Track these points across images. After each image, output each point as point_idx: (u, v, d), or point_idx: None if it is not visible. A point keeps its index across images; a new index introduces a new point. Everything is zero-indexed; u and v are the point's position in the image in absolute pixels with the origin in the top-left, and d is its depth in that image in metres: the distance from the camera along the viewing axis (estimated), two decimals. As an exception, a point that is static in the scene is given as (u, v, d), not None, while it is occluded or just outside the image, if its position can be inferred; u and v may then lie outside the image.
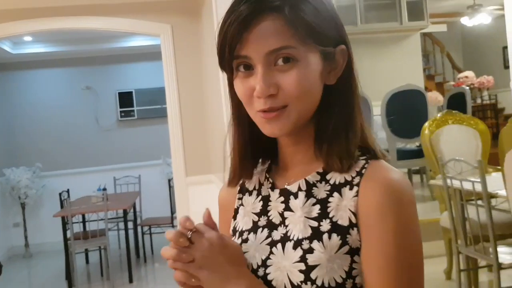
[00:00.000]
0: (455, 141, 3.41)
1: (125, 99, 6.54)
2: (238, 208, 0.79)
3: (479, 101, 7.29)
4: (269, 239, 0.71)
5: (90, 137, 6.46)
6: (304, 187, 0.71)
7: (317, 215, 0.69)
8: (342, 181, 0.69)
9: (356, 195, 0.67)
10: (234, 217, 0.79)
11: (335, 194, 0.69)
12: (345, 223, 0.66)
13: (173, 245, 0.65)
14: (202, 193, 3.86)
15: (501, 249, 2.62)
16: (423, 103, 4.69)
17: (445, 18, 7.75)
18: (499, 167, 2.42)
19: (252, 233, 0.74)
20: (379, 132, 4.67)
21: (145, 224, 5.45)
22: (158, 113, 6.31)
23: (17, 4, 3.72)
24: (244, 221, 0.76)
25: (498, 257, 2.50)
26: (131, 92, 6.54)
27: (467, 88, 5.69)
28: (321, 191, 0.70)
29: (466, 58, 8.96)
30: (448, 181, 2.75)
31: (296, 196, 0.71)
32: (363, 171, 0.68)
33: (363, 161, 0.70)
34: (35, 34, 5.18)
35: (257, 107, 0.67)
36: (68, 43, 5.97)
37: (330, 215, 0.68)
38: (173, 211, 5.32)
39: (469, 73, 6.90)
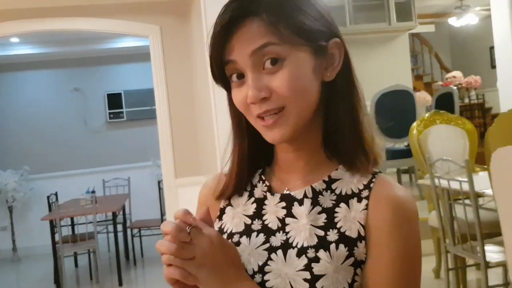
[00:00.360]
0: (443, 140, 3.44)
1: (114, 100, 6.50)
2: (224, 208, 0.76)
3: (467, 100, 7.35)
4: (267, 245, 0.68)
5: (79, 139, 6.41)
6: (310, 195, 0.70)
7: (323, 224, 0.67)
8: (349, 192, 0.69)
9: (366, 208, 0.67)
10: (220, 217, 0.76)
11: (342, 204, 0.68)
12: (354, 235, 0.66)
13: (171, 239, 0.60)
14: (192, 195, 3.83)
15: (489, 247, 2.65)
16: (411, 103, 4.72)
17: (433, 18, 7.82)
18: (486, 166, 2.44)
19: (245, 236, 0.71)
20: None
21: (135, 227, 5.41)
22: (147, 115, 6.28)
23: (4, 5, 3.68)
24: (234, 223, 0.73)
25: (485, 255, 2.52)
26: (120, 94, 6.51)
27: (455, 88, 5.74)
28: (326, 200, 0.69)
29: (454, 58, 9.04)
30: (436, 180, 2.77)
31: (301, 203, 0.69)
32: (371, 185, 0.68)
33: (370, 175, 0.69)
34: (22, 35, 5.13)
35: (254, 113, 0.66)
36: (56, 45, 5.92)
37: (338, 226, 0.67)
38: (163, 213, 5.30)
39: (457, 73, 6.96)
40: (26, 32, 4.05)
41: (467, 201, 2.62)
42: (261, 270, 0.67)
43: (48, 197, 5.16)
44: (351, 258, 0.65)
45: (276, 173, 0.74)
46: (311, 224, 0.67)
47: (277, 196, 0.71)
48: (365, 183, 0.69)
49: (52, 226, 4.55)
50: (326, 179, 0.70)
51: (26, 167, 5.97)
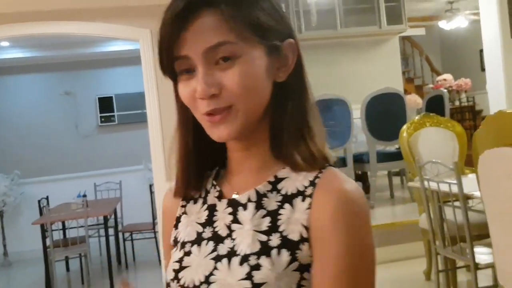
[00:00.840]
0: (433, 143, 3.46)
1: (105, 104, 6.48)
2: (180, 216, 0.74)
3: (457, 103, 7.41)
4: (214, 253, 0.66)
5: (70, 143, 6.37)
6: (254, 198, 0.67)
7: (267, 228, 0.64)
8: (294, 191, 0.66)
9: (309, 207, 0.63)
10: (176, 226, 0.74)
11: (286, 205, 0.65)
12: (296, 237, 0.63)
13: None
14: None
15: (478, 249, 2.67)
16: (401, 106, 4.76)
17: (424, 22, 7.88)
18: (475, 169, 2.46)
19: (196, 245, 0.69)
20: (359, 135, 4.71)
21: (126, 231, 5.39)
22: (139, 118, 6.26)
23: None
24: (186, 232, 0.71)
25: (475, 257, 2.54)
26: (111, 97, 6.49)
27: (445, 91, 5.79)
28: (271, 202, 0.66)
29: (444, 61, 9.11)
30: (426, 183, 2.79)
31: (245, 207, 0.67)
32: (316, 180, 0.65)
33: (316, 170, 0.66)
34: (12, 39, 5.11)
35: (201, 110, 0.64)
36: (46, 48, 5.89)
37: (280, 229, 0.64)
38: (154, 217, 5.28)
39: (448, 76, 7.03)
40: (16, 36, 4.04)
41: (456, 203, 2.64)
42: (207, 280, 0.64)
43: (39, 201, 5.13)
44: (294, 262, 0.62)
45: (228, 177, 0.72)
46: (254, 230, 0.65)
47: (225, 201, 0.69)
48: (311, 179, 0.65)
49: (43, 230, 4.52)
50: (272, 179, 0.67)
51: (17, 171, 5.93)
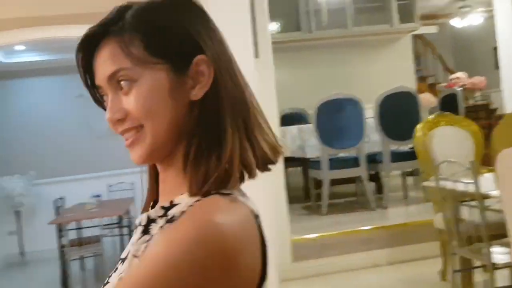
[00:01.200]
0: (448, 142, 3.44)
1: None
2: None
3: (472, 101, 7.35)
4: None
5: (84, 144, 6.44)
6: (144, 222, 0.65)
7: (140, 254, 0.62)
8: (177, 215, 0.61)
9: (149, 240, 0.62)
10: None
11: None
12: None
13: None
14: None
15: (495, 249, 2.64)
16: (415, 105, 4.73)
17: (435, 19, 7.82)
18: (492, 168, 2.44)
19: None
20: (372, 135, 4.69)
21: (141, 230, 5.43)
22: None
23: (9, 14, 3.71)
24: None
25: (492, 257, 2.52)
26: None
27: (459, 89, 5.74)
28: (157, 228, 0.62)
29: (457, 59, 9.03)
30: (441, 182, 2.78)
31: (136, 231, 0.66)
32: (189, 209, 0.59)
33: (194, 199, 0.60)
34: (28, 43, 5.17)
35: (117, 133, 0.66)
36: (60, 51, 5.95)
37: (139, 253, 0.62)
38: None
39: (461, 74, 6.96)
40: (31, 40, 4.09)
41: (473, 203, 2.62)
42: None
43: (55, 201, 5.19)
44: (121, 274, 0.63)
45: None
46: (133, 254, 0.63)
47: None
48: (185, 209, 0.60)
49: (59, 230, 4.58)
50: (167, 204, 0.63)
51: (33, 172, 6.01)
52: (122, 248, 4.66)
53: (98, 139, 6.47)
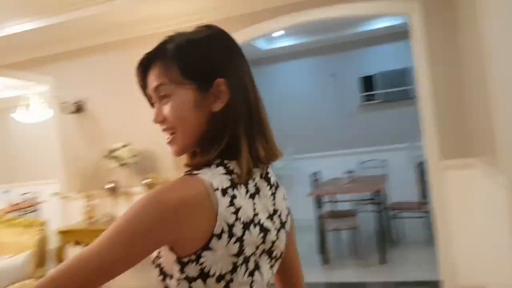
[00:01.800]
0: None
1: (367, 83, 6.59)
2: None
3: None
4: None
5: (335, 122, 6.74)
6: None
7: None
8: None
9: None
10: None
11: None
12: None
13: None
14: (460, 179, 3.61)
15: None
16: None
17: None
18: None
19: None
20: None
21: (393, 208, 5.42)
22: (400, 96, 6.17)
23: (270, 4, 4.11)
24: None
25: None
26: (372, 76, 6.56)
27: None
28: None
29: None
30: None
31: None
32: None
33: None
34: (287, 28, 5.65)
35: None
36: (314, 33, 6.33)
37: None
38: (424, 196, 5.14)
39: None
40: (290, 25, 4.43)
41: None
42: None
43: (311, 175, 5.60)
44: None
45: None
46: None
47: None
48: None
49: (318, 202, 4.93)
50: None
51: (291, 148, 6.60)
52: (377, 224, 4.74)
53: (349, 117, 6.70)
